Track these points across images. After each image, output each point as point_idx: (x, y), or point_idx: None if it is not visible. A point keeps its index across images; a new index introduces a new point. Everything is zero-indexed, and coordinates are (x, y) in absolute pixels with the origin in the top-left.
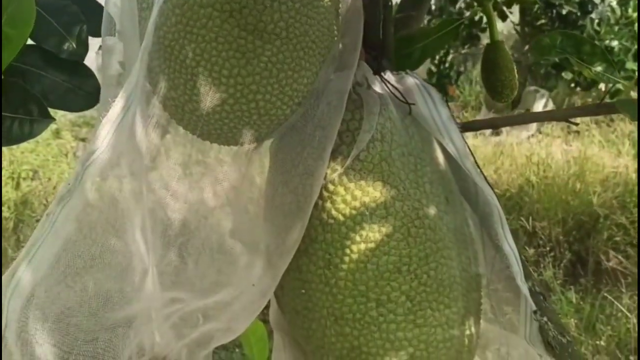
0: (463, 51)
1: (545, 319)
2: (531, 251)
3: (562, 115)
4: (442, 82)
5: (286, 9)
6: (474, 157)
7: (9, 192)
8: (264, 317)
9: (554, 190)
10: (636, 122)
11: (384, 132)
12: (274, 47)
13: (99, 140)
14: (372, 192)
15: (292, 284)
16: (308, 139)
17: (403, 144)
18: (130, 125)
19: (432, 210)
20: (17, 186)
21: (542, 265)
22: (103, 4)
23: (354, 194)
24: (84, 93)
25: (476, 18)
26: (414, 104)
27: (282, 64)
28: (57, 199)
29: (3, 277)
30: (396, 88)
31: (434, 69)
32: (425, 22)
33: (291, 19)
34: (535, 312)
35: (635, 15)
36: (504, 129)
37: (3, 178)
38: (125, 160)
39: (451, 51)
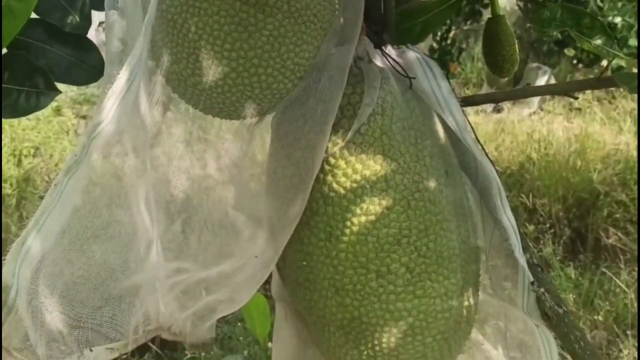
0: (465, 27)
1: (542, 290)
2: (531, 228)
3: (562, 89)
4: (443, 58)
5: None
6: (474, 132)
7: (11, 169)
8: (265, 292)
9: (555, 168)
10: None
11: (384, 106)
12: (275, 21)
13: (104, 113)
14: (372, 166)
15: (294, 256)
16: (310, 112)
17: (404, 117)
18: (134, 98)
19: (432, 184)
20: (19, 163)
21: (541, 242)
22: None
23: (355, 167)
24: (88, 67)
25: None
26: (414, 78)
27: (283, 37)
28: (64, 170)
29: (13, 245)
30: (397, 62)
31: (435, 45)
32: None
33: None
34: (532, 283)
35: None
36: (505, 106)
37: (5, 155)
38: (128, 135)
39: (453, 28)
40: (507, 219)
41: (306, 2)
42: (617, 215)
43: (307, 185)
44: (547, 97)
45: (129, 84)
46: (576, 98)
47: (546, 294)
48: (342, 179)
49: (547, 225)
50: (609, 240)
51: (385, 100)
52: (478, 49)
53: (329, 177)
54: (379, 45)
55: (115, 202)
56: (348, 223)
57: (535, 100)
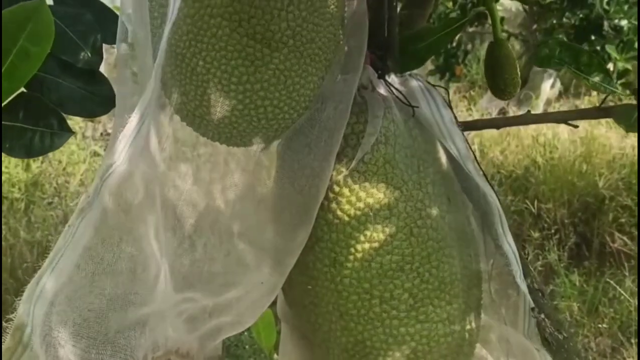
0: (470, 30)
1: (542, 315)
2: (536, 234)
3: (562, 118)
4: (449, 61)
5: (293, 17)
6: (476, 159)
7: (19, 174)
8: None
9: (560, 172)
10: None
11: (387, 135)
12: (281, 55)
13: (116, 155)
14: (376, 194)
15: (299, 280)
16: (314, 141)
17: (406, 146)
18: (145, 138)
19: (434, 211)
20: (27, 168)
21: (546, 248)
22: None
23: (359, 195)
24: (99, 99)
25: None
26: (417, 107)
27: (289, 71)
28: (77, 212)
29: (29, 285)
30: (400, 91)
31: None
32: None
33: (298, 27)
34: (533, 309)
35: None
36: (510, 109)
37: (13, 160)
38: (139, 172)
39: None
40: (509, 245)
41: (311, 36)
42: (622, 220)
43: (312, 212)
44: (552, 99)
45: (140, 125)
46: (576, 127)
47: (546, 320)
48: (346, 207)
49: (552, 230)
50: (614, 244)
51: (388, 129)
52: (483, 51)
53: (334, 205)
54: (382, 75)
55: (125, 238)
56: (352, 250)
57: (541, 103)
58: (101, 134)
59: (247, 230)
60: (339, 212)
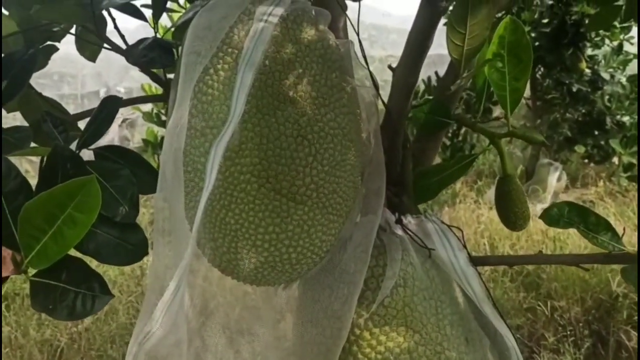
0: None
1: None
2: (550, 337)
3: (573, 260)
4: (455, 155)
5: (317, 172)
6: (492, 299)
7: None
8: None
9: (572, 268)
10: None
11: (406, 278)
12: (305, 207)
13: (153, 322)
14: (396, 337)
15: None
16: (336, 283)
17: (424, 288)
18: (179, 301)
19: (453, 353)
20: None
21: (562, 351)
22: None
23: (379, 339)
24: (133, 248)
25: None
26: (433, 250)
27: (312, 220)
28: None
29: None
30: (416, 235)
31: (447, 142)
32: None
33: (321, 181)
34: None
35: None
36: None
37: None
38: (173, 332)
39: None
40: None
41: (333, 188)
42: (637, 317)
43: (334, 354)
44: (559, 191)
45: (175, 292)
46: (587, 270)
47: None
48: (367, 350)
49: (567, 331)
50: (630, 343)
51: (406, 272)
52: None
53: (355, 348)
54: (399, 219)
55: None
56: None
57: (548, 195)
58: None
59: None
60: (360, 355)
